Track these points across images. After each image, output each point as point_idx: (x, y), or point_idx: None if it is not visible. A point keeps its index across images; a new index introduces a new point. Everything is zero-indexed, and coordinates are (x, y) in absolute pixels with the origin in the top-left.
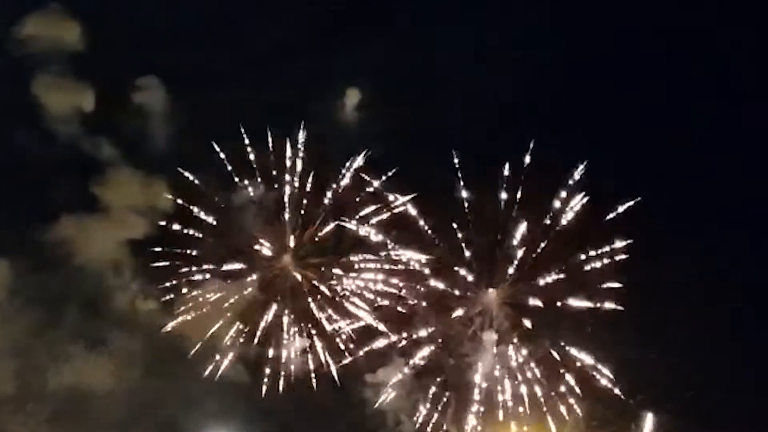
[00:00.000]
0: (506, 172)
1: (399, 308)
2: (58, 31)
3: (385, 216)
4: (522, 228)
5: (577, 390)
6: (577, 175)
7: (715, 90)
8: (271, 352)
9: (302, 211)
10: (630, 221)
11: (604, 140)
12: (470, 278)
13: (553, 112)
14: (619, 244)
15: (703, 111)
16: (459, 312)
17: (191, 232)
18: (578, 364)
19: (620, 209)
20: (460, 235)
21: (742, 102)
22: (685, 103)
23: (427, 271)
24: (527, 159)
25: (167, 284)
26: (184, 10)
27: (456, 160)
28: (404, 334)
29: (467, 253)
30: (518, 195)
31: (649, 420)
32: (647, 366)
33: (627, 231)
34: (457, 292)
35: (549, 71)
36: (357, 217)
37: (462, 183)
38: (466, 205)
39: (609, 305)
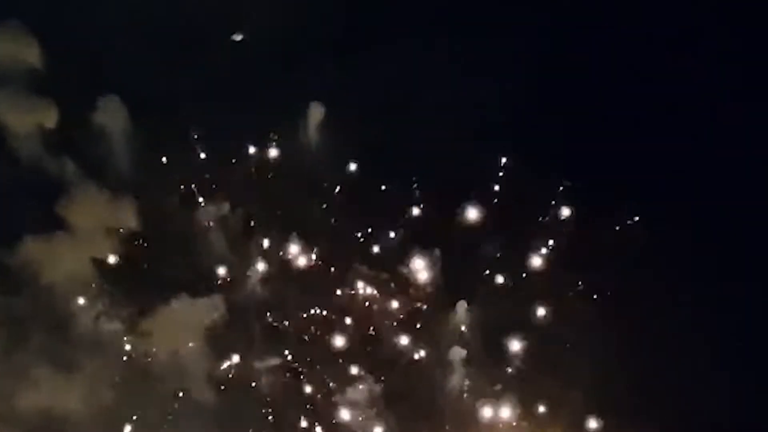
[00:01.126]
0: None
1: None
2: (17, 49)
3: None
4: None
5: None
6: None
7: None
8: (240, 371)
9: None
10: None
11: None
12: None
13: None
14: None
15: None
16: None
17: (158, 251)
18: None
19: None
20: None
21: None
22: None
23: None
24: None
25: (135, 304)
26: (146, 29)
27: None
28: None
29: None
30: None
31: None
32: None
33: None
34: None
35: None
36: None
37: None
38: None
39: None
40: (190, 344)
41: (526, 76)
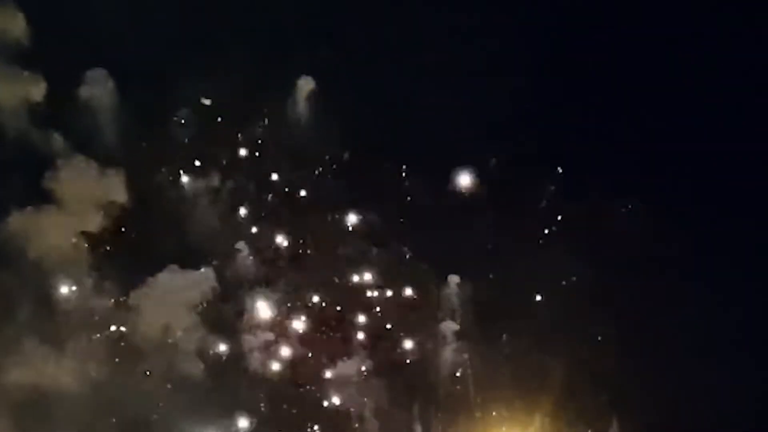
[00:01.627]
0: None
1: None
2: (4, 23)
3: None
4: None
5: None
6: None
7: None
8: (232, 347)
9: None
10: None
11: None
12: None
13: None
14: None
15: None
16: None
17: (147, 225)
18: None
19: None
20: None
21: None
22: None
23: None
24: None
25: (124, 278)
26: (134, 3)
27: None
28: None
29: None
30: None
31: None
32: None
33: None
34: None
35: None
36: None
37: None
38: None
39: None
40: (180, 319)
41: (525, 57)
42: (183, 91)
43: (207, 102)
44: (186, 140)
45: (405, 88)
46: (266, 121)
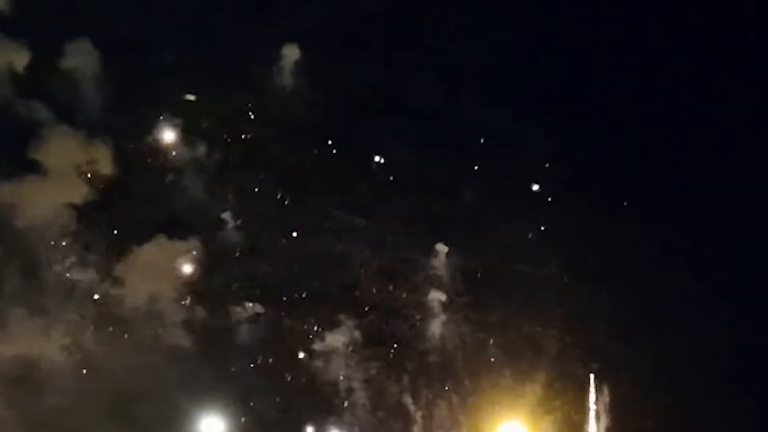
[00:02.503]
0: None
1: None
2: None
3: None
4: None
5: None
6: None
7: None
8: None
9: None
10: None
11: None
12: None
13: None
14: None
15: None
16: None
17: (132, 194)
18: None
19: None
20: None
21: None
22: None
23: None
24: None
25: (110, 248)
26: None
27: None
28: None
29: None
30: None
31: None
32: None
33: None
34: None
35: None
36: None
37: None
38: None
39: None
40: (166, 288)
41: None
42: (167, 62)
43: (192, 98)
44: (172, 110)
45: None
46: (252, 90)
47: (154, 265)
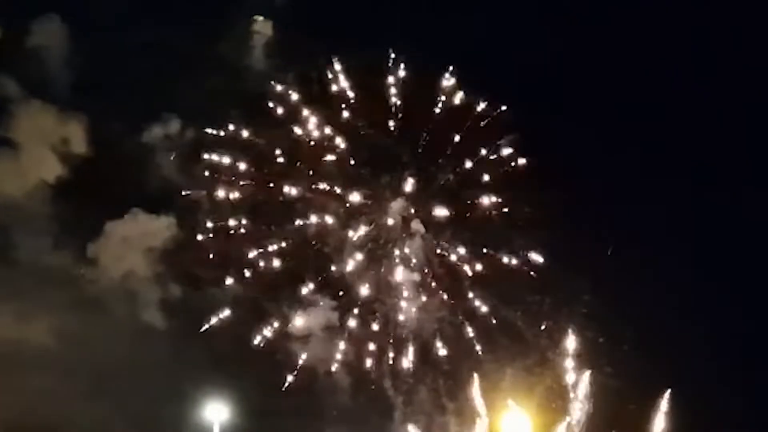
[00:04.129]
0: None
1: None
2: None
3: None
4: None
5: None
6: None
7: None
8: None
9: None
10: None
11: None
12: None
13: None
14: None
15: None
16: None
17: (106, 171)
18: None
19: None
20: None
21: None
22: None
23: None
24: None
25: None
26: None
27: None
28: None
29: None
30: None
31: None
32: None
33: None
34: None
35: None
36: None
37: None
38: None
39: None
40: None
41: None
42: (139, 38)
43: None
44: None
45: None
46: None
47: (129, 241)
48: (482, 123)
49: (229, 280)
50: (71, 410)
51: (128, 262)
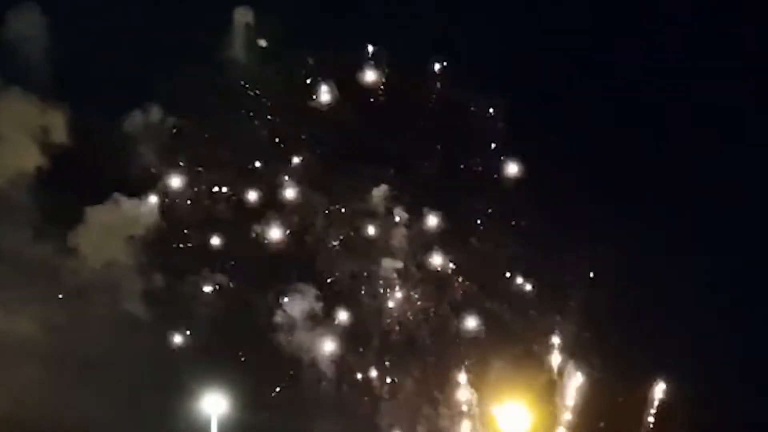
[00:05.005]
0: None
1: None
2: None
3: None
4: None
5: None
6: None
7: None
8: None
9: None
10: None
11: None
12: None
13: None
14: None
15: None
16: None
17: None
18: None
19: None
20: None
21: None
22: None
23: None
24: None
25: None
26: None
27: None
28: None
29: None
30: None
31: None
32: None
33: None
34: None
35: None
36: None
37: None
38: None
39: None
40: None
41: None
42: (120, 26)
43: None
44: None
45: None
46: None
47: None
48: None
49: (212, 269)
50: (58, 401)
51: (111, 249)
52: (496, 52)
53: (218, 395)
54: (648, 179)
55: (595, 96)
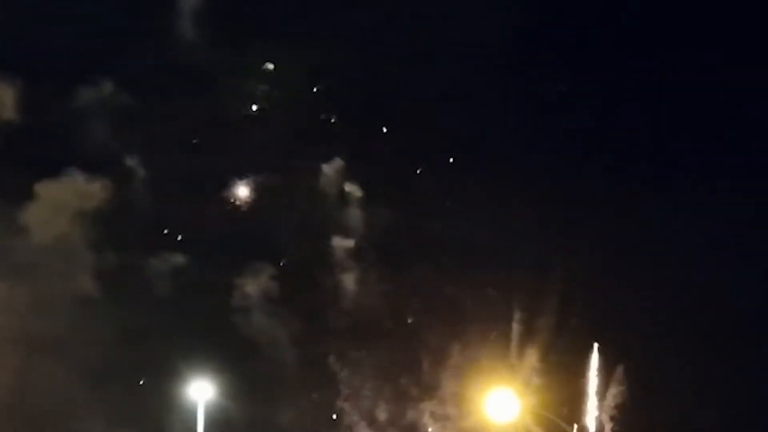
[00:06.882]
0: None
1: None
2: None
3: None
4: None
5: None
6: None
7: None
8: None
9: None
10: None
11: None
12: None
13: None
14: None
15: None
16: None
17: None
18: None
19: None
20: None
21: None
22: None
23: None
24: None
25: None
26: None
27: None
28: None
29: None
30: None
31: None
32: None
33: None
34: None
35: None
36: None
37: None
38: None
39: None
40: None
41: None
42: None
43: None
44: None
45: None
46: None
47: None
48: None
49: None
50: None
51: (62, 224)
52: None
53: (204, 381)
54: None
55: None
